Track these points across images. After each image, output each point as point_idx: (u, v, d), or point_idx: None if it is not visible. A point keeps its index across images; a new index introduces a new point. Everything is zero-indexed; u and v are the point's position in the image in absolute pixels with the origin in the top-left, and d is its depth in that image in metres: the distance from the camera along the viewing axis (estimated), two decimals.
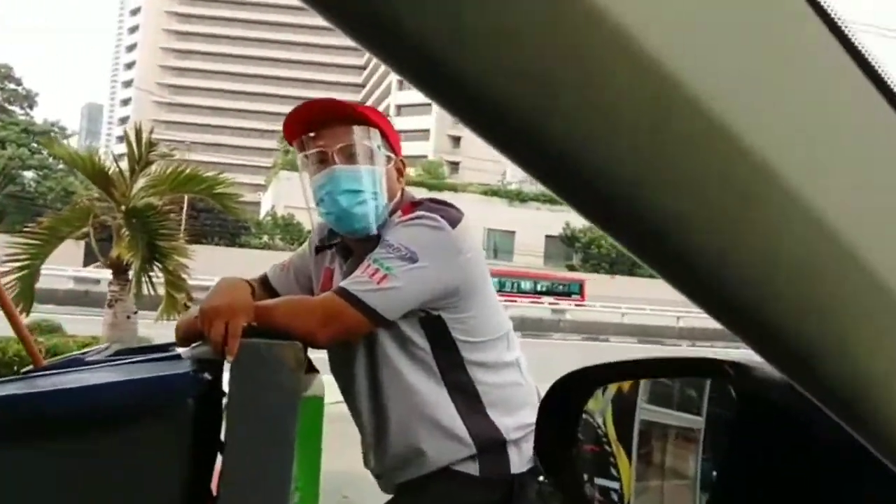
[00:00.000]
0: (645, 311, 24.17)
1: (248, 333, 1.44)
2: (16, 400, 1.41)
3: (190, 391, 1.41)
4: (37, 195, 35.55)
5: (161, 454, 1.38)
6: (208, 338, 1.37)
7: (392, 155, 1.63)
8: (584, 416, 0.91)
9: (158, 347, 2.08)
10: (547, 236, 40.66)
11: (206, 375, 1.50)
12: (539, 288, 27.02)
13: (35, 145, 37.78)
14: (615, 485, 0.97)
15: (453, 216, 1.53)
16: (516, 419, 1.58)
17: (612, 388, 0.99)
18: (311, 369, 1.70)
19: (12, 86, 43.44)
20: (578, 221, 40.29)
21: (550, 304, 24.39)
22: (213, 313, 1.38)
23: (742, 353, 0.57)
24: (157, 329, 7.90)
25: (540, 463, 0.93)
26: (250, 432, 1.42)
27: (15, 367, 6.13)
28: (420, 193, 1.75)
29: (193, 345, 1.48)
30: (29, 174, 37.82)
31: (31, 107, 43.94)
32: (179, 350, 1.50)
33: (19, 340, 6.40)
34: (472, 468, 1.55)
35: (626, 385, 1.01)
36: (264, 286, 1.75)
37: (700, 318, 24.60)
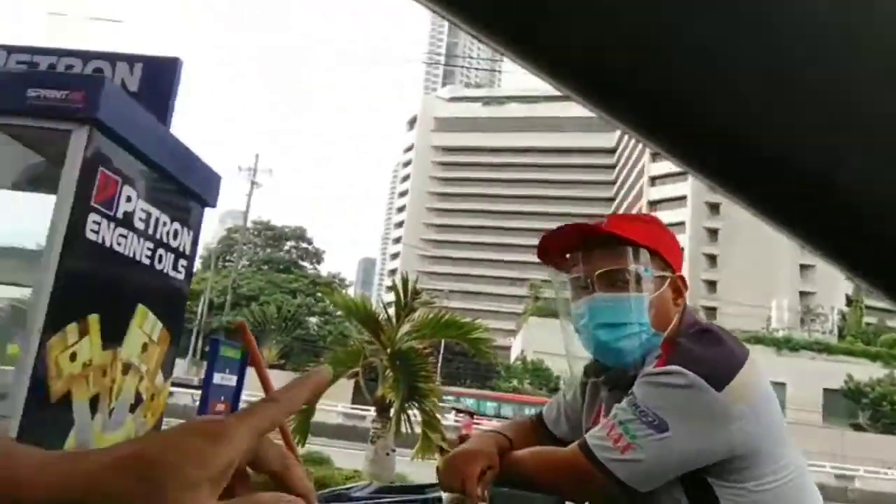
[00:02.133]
0: None
1: (502, 484, 1.38)
2: None
3: None
4: (318, 338, 39.99)
5: None
6: (449, 489, 1.34)
7: (668, 274, 1.38)
8: None
9: (416, 488, 2.11)
10: (826, 390, 35.85)
11: None
12: (502, 412, 23.87)
13: (319, 295, 43.17)
14: None
15: (721, 372, 1.22)
16: None
17: None
18: None
19: (304, 244, 50.77)
20: (862, 373, 35.13)
21: (833, 467, 21.04)
22: (451, 460, 1.36)
23: None
24: (413, 467, 8.17)
25: None
26: None
27: None
28: None
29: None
30: (313, 319, 42.92)
31: (318, 262, 50.70)
32: (443, 494, 1.47)
33: None
34: None
35: None
36: (539, 421, 1.66)
37: None
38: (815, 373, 35.64)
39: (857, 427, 33.87)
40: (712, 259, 55.72)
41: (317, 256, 50.62)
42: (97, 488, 0.41)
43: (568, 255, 1.42)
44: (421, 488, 2.07)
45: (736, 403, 1.20)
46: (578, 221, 1.43)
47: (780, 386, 33.56)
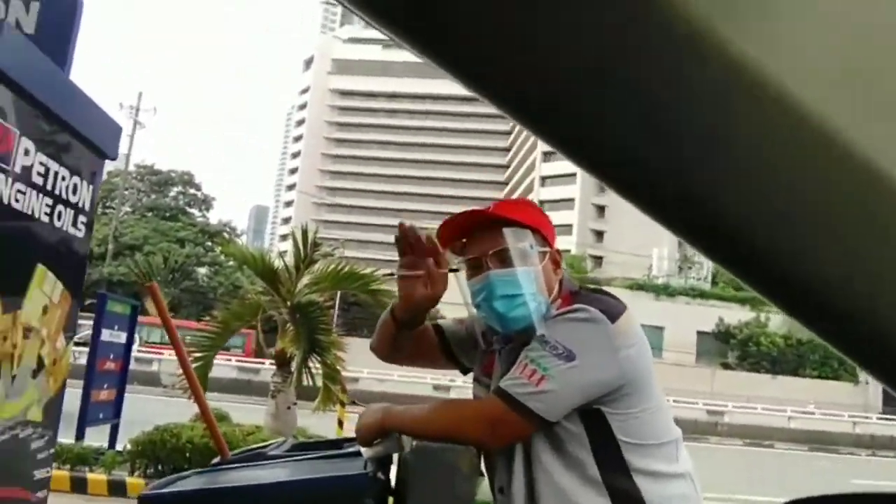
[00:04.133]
0: (814, 415, 22.05)
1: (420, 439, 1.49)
2: (211, 494, 1.52)
3: (369, 490, 1.46)
4: (208, 289, 38.75)
5: None
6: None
7: (547, 249, 1.59)
8: None
9: (331, 443, 2.18)
10: (699, 332, 38.60)
11: (381, 475, 1.55)
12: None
13: (209, 244, 41.64)
14: None
15: (613, 309, 1.47)
16: None
17: None
18: (479, 473, 1.71)
19: (193, 191, 48.40)
20: (732, 316, 38.00)
21: (705, 404, 22.88)
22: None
23: None
24: (313, 419, 8.22)
25: None
26: None
27: (187, 454, 6.57)
28: None
29: (375, 442, 1.53)
30: (202, 270, 41.40)
31: (207, 209, 48.62)
32: (362, 449, 1.55)
33: (193, 428, 6.91)
34: None
35: None
36: (436, 331, 1.79)
37: (881, 425, 22.06)
38: (690, 317, 38.11)
39: (726, 366, 36.75)
40: (601, 210, 58.05)
41: (206, 203, 48.48)
42: None
43: (464, 240, 1.61)
44: (337, 443, 2.14)
45: (625, 335, 1.45)
46: (471, 207, 1.63)
47: (658, 329, 35.80)
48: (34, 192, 2.42)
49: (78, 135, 2.69)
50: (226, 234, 44.75)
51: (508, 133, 77.67)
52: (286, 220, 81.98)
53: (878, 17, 0.34)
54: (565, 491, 1.44)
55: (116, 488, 6.46)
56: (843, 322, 0.39)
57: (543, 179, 63.41)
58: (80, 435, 7.07)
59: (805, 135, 0.33)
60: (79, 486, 6.40)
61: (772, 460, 15.43)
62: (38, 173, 2.45)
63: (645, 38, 0.31)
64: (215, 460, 2.02)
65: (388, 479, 1.58)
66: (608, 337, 1.43)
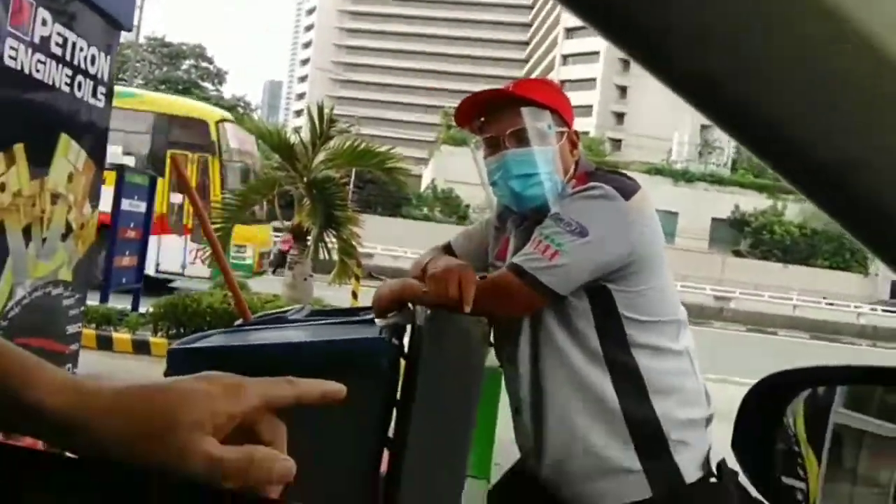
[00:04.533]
0: (820, 304, 22.32)
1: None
2: (237, 350, 1.63)
3: (386, 353, 1.55)
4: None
5: (357, 409, 1.54)
6: (445, 295, 1.43)
7: (564, 129, 1.59)
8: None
9: (348, 311, 2.29)
10: (714, 219, 38.46)
11: (395, 341, 1.65)
12: None
13: None
14: (801, 485, 0.97)
15: (627, 187, 1.48)
16: (682, 413, 1.50)
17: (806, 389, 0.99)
18: (489, 343, 1.80)
19: (205, 64, 47.43)
20: (749, 204, 37.70)
21: (713, 289, 23.20)
22: (447, 274, 1.46)
23: None
24: (328, 291, 8.50)
25: (739, 460, 0.94)
26: (439, 397, 1.54)
27: (207, 318, 6.86)
28: None
29: (390, 314, 1.61)
30: None
31: (220, 83, 47.85)
32: (376, 318, 1.64)
33: (212, 294, 7.17)
34: (632, 461, 1.47)
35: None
36: (448, 250, 1.81)
37: (883, 317, 22.38)
38: (706, 203, 37.82)
39: (738, 253, 36.80)
40: (622, 90, 56.45)
41: (219, 77, 47.66)
42: (109, 418, 0.44)
43: (482, 119, 1.60)
44: (354, 311, 2.25)
45: (638, 212, 1.47)
46: (487, 88, 1.61)
47: (672, 215, 35.75)
48: (54, 63, 2.42)
49: (93, 5, 2.66)
50: (240, 109, 44.16)
51: (530, 7, 74.37)
52: (300, 96, 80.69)
53: None
54: (568, 361, 1.51)
55: (140, 347, 6.78)
56: (856, 203, 0.40)
57: (565, 58, 61.32)
58: (104, 298, 7.38)
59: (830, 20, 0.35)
60: (104, 343, 6.71)
61: (768, 345, 15.81)
62: (57, 43, 2.44)
63: None
64: (238, 322, 2.14)
65: (402, 345, 1.68)
66: (621, 213, 1.45)
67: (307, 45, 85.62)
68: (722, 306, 21.40)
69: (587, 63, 57.00)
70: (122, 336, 6.87)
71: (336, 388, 0.51)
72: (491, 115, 1.58)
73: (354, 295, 8.12)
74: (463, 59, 75.70)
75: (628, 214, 1.45)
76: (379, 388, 1.52)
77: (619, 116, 56.81)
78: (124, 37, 3.32)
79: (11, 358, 0.46)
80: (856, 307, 22.49)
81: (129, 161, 9.54)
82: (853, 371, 0.93)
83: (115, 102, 2.92)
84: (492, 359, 1.79)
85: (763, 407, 0.88)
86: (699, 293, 21.83)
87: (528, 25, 75.48)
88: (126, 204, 7.90)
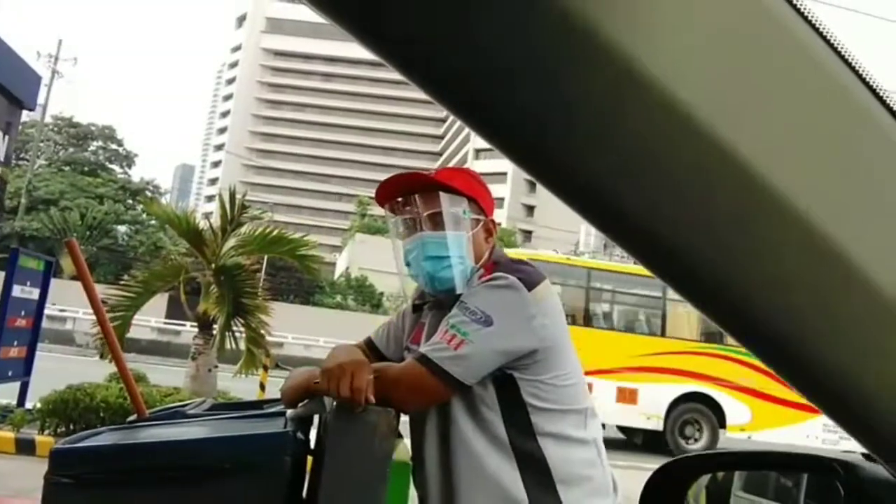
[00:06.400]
0: None
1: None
2: (126, 450, 1.52)
3: (288, 449, 1.48)
4: (128, 248, 37.40)
5: None
6: (337, 394, 1.40)
7: (481, 217, 1.65)
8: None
9: (252, 404, 2.19)
10: None
11: (301, 435, 1.58)
12: None
13: (130, 202, 40.05)
14: None
15: (532, 277, 1.52)
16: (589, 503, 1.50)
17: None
18: (397, 435, 1.76)
19: (114, 146, 46.32)
20: None
21: None
22: (339, 371, 1.42)
23: (843, 451, 0.59)
24: (232, 383, 8.15)
25: None
26: (344, 493, 1.47)
27: (101, 414, 6.42)
28: None
29: (301, 404, 1.56)
30: (122, 228, 39.85)
31: (129, 166, 46.61)
32: (287, 409, 1.58)
33: (107, 388, 6.74)
34: None
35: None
36: (369, 347, 1.81)
37: None
38: None
39: None
40: (532, 185, 58.78)
41: (128, 160, 46.53)
42: None
43: (400, 199, 1.64)
44: (258, 404, 2.15)
45: (541, 303, 1.51)
46: (410, 171, 1.69)
47: None
48: None
49: None
50: (148, 193, 43.15)
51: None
52: (213, 181, 79.76)
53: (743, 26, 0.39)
54: (475, 451, 1.50)
55: (24, 446, 6.26)
56: (721, 299, 0.44)
57: (478, 152, 63.63)
58: None
59: (685, 133, 0.38)
60: None
61: None
62: None
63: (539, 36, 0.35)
64: (131, 417, 2.01)
65: (308, 440, 1.62)
66: (525, 304, 1.49)
67: (222, 130, 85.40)
68: None
69: (499, 157, 59.24)
70: (4, 434, 6.32)
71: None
72: (411, 197, 1.63)
73: (262, 386, 7.82)
74: (378, 150, 77.32)
75: (532, 305, 1.49)
76: (281, 488, 1.45)
77: (530, 209, 58.94)
78: (29, 115, 3.22)
79: None
80: None
81: None
82: (750, 457, 0.96)
83: None
84: (399, 451, 1.75)
85: (664, 492, 0.90)
86: None
87: (442, 121, 78.28)
88: (17, 290, 7.42)
